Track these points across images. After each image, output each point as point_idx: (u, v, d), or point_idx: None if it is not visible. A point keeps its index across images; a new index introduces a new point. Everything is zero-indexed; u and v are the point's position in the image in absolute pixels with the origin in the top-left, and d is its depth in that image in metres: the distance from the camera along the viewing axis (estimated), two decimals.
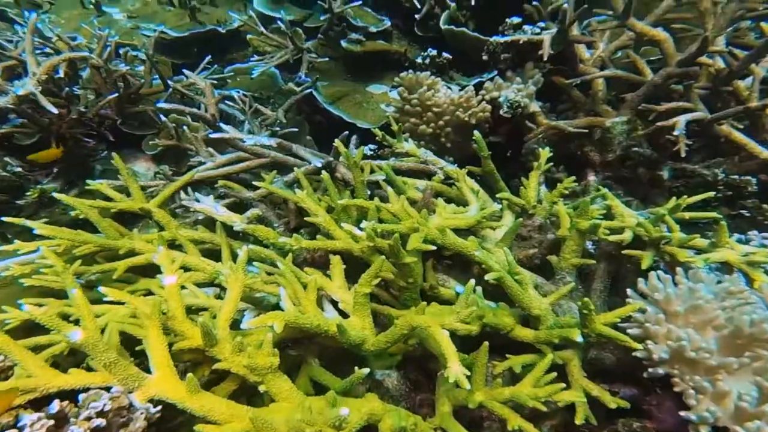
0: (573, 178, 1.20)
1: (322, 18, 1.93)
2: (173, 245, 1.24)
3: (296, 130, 1.80)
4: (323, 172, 1.23)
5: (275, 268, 1.08)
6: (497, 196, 1.26)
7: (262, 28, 1.90)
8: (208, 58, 1.89)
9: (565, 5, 1.39)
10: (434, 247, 1.01)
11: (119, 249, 1.11)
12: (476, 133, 1.27)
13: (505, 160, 1.87)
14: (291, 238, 1.08)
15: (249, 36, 2.15)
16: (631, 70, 1.52)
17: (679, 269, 0.92)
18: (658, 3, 1.70)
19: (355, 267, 1.18)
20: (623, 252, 1.09)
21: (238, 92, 2.02)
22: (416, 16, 2.03)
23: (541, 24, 1.56)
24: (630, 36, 1.50)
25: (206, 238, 1.26)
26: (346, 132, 1.32)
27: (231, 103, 1.85)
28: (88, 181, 1.25)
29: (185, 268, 1.15)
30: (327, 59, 1.97)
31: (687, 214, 1.11)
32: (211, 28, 2.15)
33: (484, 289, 1.05)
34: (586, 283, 1.20)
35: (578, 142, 1.59)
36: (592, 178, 1.55)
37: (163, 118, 1.66)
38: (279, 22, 1.86)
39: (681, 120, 1.22)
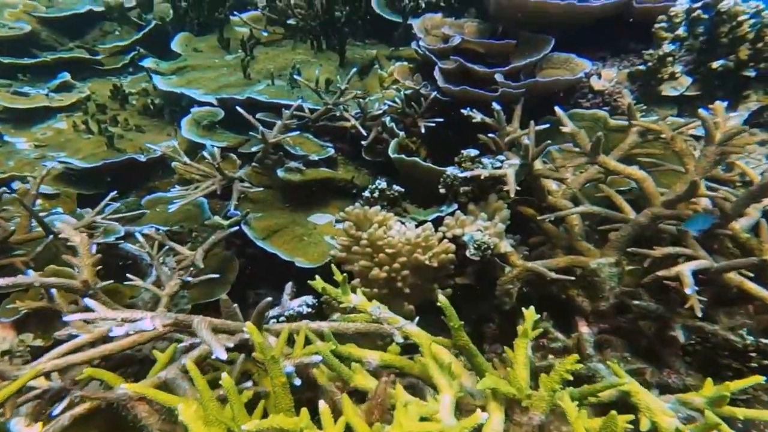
0: (576, 357, 0.90)
1: (254, 149, 1.71)
2: None
3: (216, 276, 1.43)
4: (227, 370, 0.84)
5: None
6: (479, 388, 0.91)
7: (185, 159, 1.64)
8: (113, 194, 1.57)
9: (526, 141, 1.24)
10: None
11: None
12: (441, 299, 0.96)
13: (475, 301, 1.57)
14: None
15: (174, 164, 1.89)
16: (604, 203, 1.35)
17: None
18: (618, 135, 1.62)
19: None
20: None
21: (151, 228, 1.67)
22: (362, 143, 1.88)
23: (501, 157, 1.40)
24: (599, 168, 1.35)
25: None
26: (269, 299, 0.98)
27: (136, 247, 1.48)
28: None
29: None
30: (262, 189, 1.71)
31: (739, 412, 0.80)
32: (129, 157, 1.87)
33: None
34: None
35: (561, 285, 1.34)
36: (585, 330, 1.26)
37: (29, 273, 1.25)
38: (204, 152, 1.62)
39: (686, 273, 0.99)
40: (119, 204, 1.86)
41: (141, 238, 1.42)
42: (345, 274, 1.21)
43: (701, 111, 1.12)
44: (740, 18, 1.45)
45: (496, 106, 1.52)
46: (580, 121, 1.76)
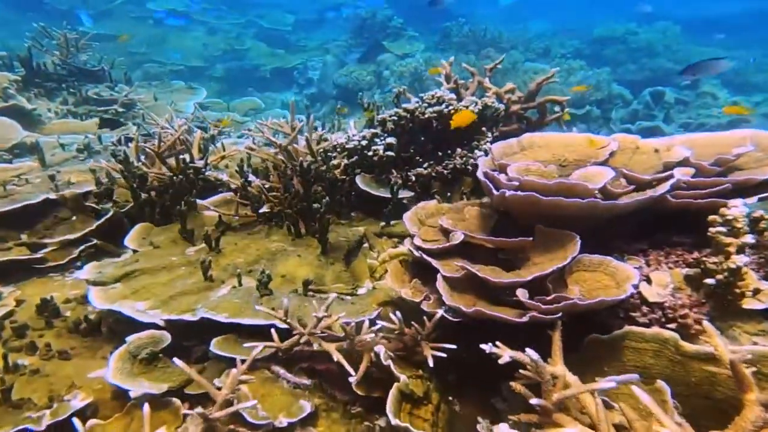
0: None
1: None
2: None
3: None
4: None
5: None
6: None
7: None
8: None
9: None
10: None
11: None
12: None
13: None
14: None
15: None
16: None
17: None
18: (699, 365, 1.17)
19: None
20: None
21: None
22: (350, 379, 1.39)
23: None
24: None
25: None
26: None
27: None
28: None
29: None
30: None
31: None
32: (20, 429, 1.34)
33: None
34: None
35: None
36: None
37: None
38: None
39: None
40: None
41: None
42: None
43: None
44: None
45: (533, 355, 1.08)
46: (639, 343, 1.32)
